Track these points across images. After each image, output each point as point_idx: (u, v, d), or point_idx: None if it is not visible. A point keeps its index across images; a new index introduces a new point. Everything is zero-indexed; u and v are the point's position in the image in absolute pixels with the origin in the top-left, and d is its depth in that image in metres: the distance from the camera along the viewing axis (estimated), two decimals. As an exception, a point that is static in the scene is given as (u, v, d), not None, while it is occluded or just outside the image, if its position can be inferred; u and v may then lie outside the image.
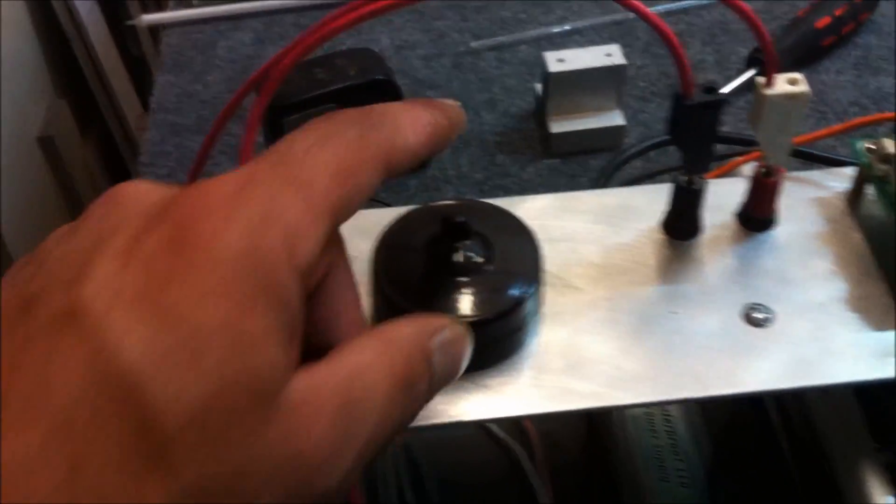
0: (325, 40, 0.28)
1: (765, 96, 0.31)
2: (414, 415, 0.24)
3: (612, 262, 0.34)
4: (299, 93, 0.53)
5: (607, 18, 0.68)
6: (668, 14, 0.69)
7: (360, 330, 0.25)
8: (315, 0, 0.71)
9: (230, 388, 0.19)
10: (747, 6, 0.30)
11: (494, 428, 0.40)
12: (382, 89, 0.54)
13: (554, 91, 0.58)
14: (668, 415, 0.39)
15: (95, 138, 0.98)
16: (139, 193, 0.22)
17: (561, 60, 0.57)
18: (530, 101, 0.62)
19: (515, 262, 0.31)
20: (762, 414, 0.38)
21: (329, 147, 0.23)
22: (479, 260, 0.31)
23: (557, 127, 0.58)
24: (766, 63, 0.31)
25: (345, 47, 0.65)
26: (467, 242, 0.31)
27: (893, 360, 0.31)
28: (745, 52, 0.64)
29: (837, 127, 0.37)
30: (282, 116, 0.53)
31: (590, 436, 0.41)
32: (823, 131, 0.38)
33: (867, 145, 0.34)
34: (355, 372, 0.22)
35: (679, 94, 0.31)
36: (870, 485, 0.33)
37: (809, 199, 0.36)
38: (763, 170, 0.34)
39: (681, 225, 0.35)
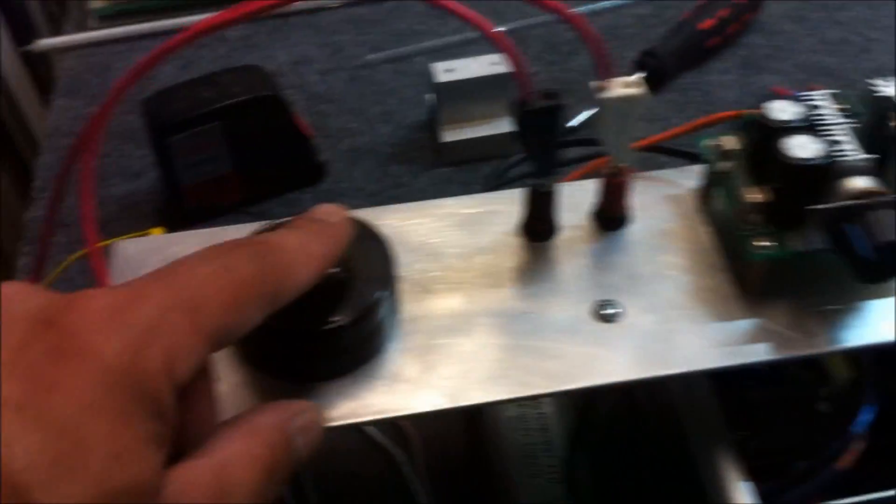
0: (157, 61, 0.29)
1: (601, 100, 0.32)
2: (279, 492, 0.26)
3: (470, 266, 0.35)
4: (184, 112, 0.53)
5: (502, 28, 0.69)
6: (560, 21, 0.70)
7: (216, 427, 0.26)
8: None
9: (113, 494, 0.20)
10: (578, 16, 0.31)
11: (374, 433, 0.41)
12: (268, 106, 0.54)
13: (444, 101, 0.59)
14: (542, 413, 0.40)
15: (9, 166, 0.97)
16: (21, 296, 0.22)
17: (449, 70, 0.58)
18: (425, 111, 0.63)
19: (368, 268, 0.32)
20: (635, 407, 0.39)
21: (224, 279, 0.24)
22: (333, 269, 0.31)
23: (448, 136, 0.59)
24: (599, 67, 0.32)
25: (238, 63, 0.65)
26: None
27: (736, 349, 0.32)
28: (633, 56, 0.66)
29: (686, 126, 0.38)
30: (167, 136, 0.53)
31: (468, 438, 0.42)
32: (671, 132, 0.39)
33: (711, 143, 0.35)
34: (224, 464, 0.24)
35: (520, 101, 0.32)
36: (725, 470, 0.34)
37: (663, 197, 0.37)
38: (611, 170, 0.35)
39: (536, 227, 0.35)
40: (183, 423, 0.24)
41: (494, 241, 0.36)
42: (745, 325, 0.33)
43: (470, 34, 0.69)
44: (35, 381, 0.20)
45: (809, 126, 0.32)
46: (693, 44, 0.65)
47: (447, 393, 0.31)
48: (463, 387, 0.31)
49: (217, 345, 0.24)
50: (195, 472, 0.24)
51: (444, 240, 0.36)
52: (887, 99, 0.33)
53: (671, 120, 0.62)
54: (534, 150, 0.33)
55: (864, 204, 0.30)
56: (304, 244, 0.27)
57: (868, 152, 0.32)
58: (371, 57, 0.68)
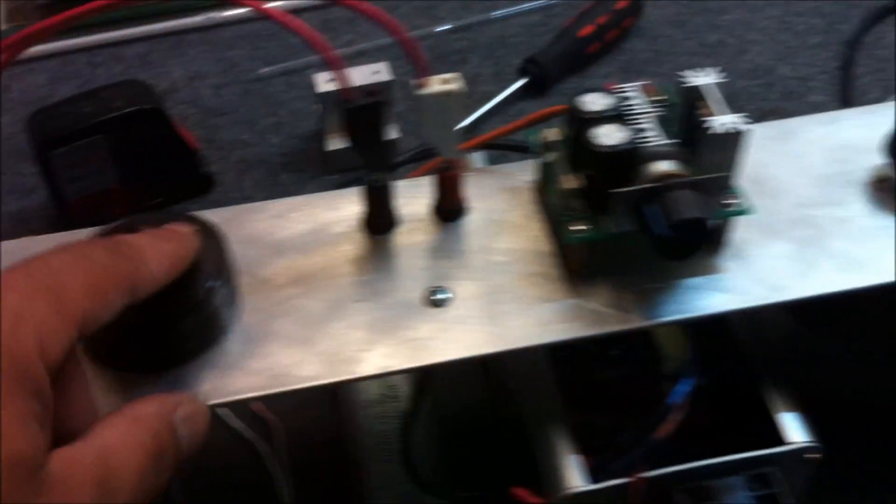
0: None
1: (418, 96, 0.34)
2: (166, 480, 0.27)
3: (311, 260, 0.36)
4: (66, 126, 0.54)
5: (389, 40, 0.71)
6: (451, 32, 0.72)
7: (96, 414, 0.28)
8: (108, 37, 0.72)
9: None
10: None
11: (240, 427, 0.42)
12: (149, 118, 0.55)
13: (327, 110, 0.60)
14: (398, 401, 0.42)
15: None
16: None
17: (331, 80, 0.59)
18: (315, 122, 0.65)
19: (202, 261, 0.33)
20: (471, 386, 0.41)
21: (82, 266, 0.26)
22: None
23: (333, 144, 0.61)
24: (416, 66, 0.34)
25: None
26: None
27: (557, 326, 0.34)
28: (519, 63, 0.68)
29: (519, 122, 0.40)
30: (50, 150, 0.54)
31: (331, 428, 0.44)
32: (506, 127, 0.40)
33: (538, 136, 0.37)
34: (109, 448, 0.25)
35: (343, 99, 0.33)
36: (557, 445, 0.36)
37: (500, 189, 0.39)
38: (443, 165, 0.36)
39: (375, 221, 0.37)
40: (61, 408, 0.25)
41: (337, 236, 0.37)
42: (566, 304, 0.35)
43: (362, 45, 0.71)
44: None
45: (617, 116, 0.34)
46: (574, 50, 0.67)
47: (276, 376, 0.32)
48: (292, 372, 0.33)
49: (82, 329, 0.25)
50: (79, 454, 0.25)
51: (289, 235, 0.37)
52: (695, 89, 0.35)
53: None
54: (362, 146, 0.35)
55: (662, 185, 0.32)
56: (153, 242, 0.30)
57: (681, 139, 0.35)
58: (264, 71, 0.69)
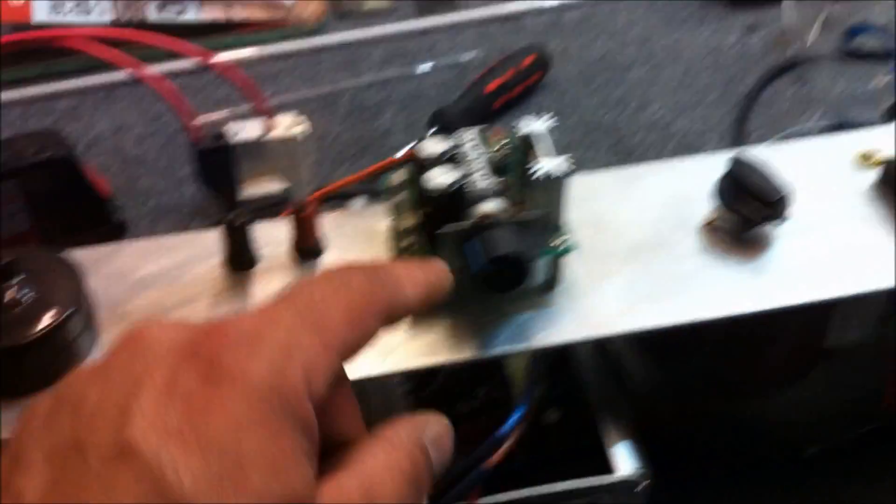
0: None
1: (265, 140, 0.36)
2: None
3: (170, 296, 0.39)
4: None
5: (312, 92, 0.75)
6: (368, 87, 0.75)
7: (362, 432, 0.28)
8: (40, 90, 0.75)
9: None
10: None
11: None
12: (60, 166, 0.58)
13: (240, 159, 0.63)
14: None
15: None
16: (164, 334, 0.24)
17: (237, 133, 0.62)
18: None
19: (56, 295, 0.35)
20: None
21: (343, 295, 0.26)
22: (26, 295, 0.35)
23: (249, 192, 0.63)
24: (261, 112, 0.37)
25: (66, 133, 0.69)
26: (13, 282, 0.35)
27: (392, 359, 0.36)
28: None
29: (369, 169, 0.43)
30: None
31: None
32: (359, 174, 0.43)
33: (388, 180, 0.40)
34: (373, 476, 0.25)
35: (192, 142, 0.36)
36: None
37: (359, 231, 0.41)
38: (296, 205, 0.39)
39: (235, 259, 0.40)
40: (326, 429, 0.25)
41: (199, 273, 0.40)
42: (405, 336, 0.37)
43: (288, 97, 0.74)
44: (191, 407, 0.22)
45: (451, 159, 0.37)
46: (481, 104, 0.70)
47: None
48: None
49: (344, 357, 0.26)
50: (345, 485, 0.25)
51: (153, 272, 0.40)
52: (527, 135, 0.38)
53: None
54: (213, 188, 0.37)
55: (483, 224, 0.35)
56: (409, 270, 0.30)
57: (520, 181, 0.37)
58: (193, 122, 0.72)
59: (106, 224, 0.62)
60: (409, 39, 0.81)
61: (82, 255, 0.40)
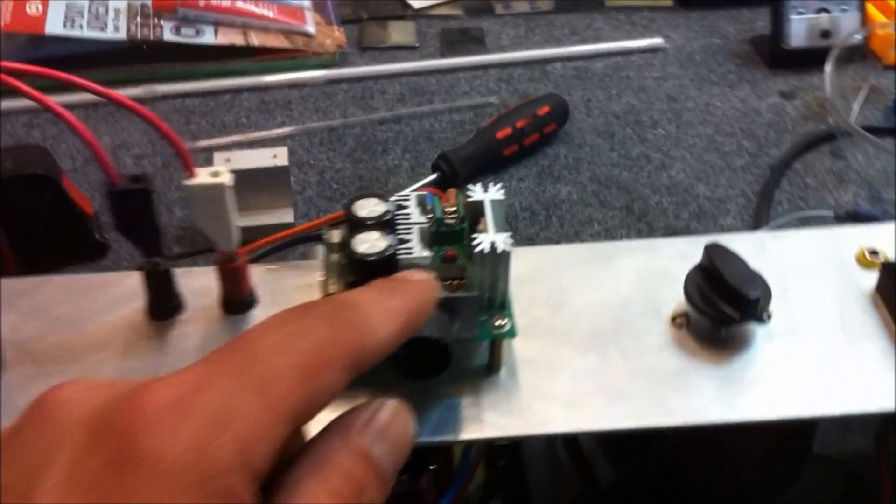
0: None
1: (185, 186, 0.34)
2: None
3: (84, 340, 0.36)
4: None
5: (322, 124, 0.72)
6: (379, 122, 0.73)
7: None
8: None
9: None
10: (150, 114, 0.33)
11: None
12: (41, 184, 0.56)
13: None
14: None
15: None
16: (76, 399, 0.21)
17: (227, 160, 0.60)
18: (223, 199, 0.65)
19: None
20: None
21: (296, 346, 0.22)
22: None
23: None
24: (181, 159, 0.34)
25: (65, 146, 0.68)
26: None
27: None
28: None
29: (314, 222, 0.39)
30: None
31: None
32: (300, 227, 0.40)
33: (326, 236, 0.36)
34: None
35: (107, 183, 0.33)
36: None
37: (295, 286, 0.38)
38: (223, 256, 0.36)
39: (155, 306, 0.37)
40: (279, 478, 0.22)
41: (118, 316, 0.37)
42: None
43: (293, 128, 0.71)
44: (98, 498, 0.19)
45: (386, 223, 0.34)
46: (489, 150, 0.67)
47: None
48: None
49: (296, 421, 0.21)
50: None
51: (72, 312, 0.37)
52: (478, 204, 0.35)
53: (455, 222, 0.63)
54: (128, 231, 0.34)
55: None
56: (380, 299, 0.25)
57: (463, 253, 0.34)
58: (189, 146, 0.70)
59: (87, 244, 0.60)
60: (429, 77, 0.78)
61: (3, 285, 0.38)
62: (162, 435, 0.20)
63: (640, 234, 0.62)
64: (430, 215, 0.36)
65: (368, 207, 0.34)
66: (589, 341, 0.36)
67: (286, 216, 0.61)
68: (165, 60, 0.76)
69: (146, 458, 0.19)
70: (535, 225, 0.63)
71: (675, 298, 0.38)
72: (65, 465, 0.20)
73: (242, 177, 0.59)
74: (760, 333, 0.37)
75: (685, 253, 0.39)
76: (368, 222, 0.34)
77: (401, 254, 0.33)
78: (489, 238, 0.33)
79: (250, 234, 0.61)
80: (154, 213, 0.34)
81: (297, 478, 0.22)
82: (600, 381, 0.35)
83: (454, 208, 0.36)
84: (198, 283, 0.38)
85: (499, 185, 0.35)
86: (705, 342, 0.36)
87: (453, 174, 0.65)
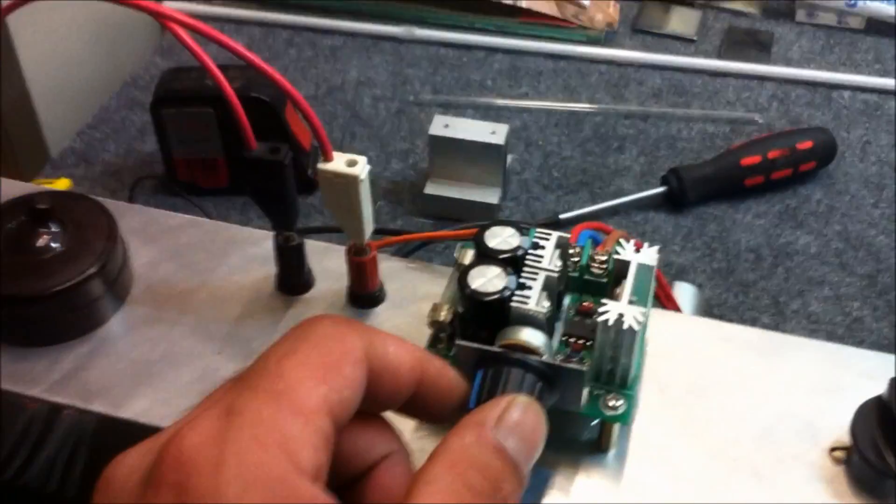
0: None
1: (318, 169, 0.32)
2: None
3: (208, 295, 0.36)
4: (183, 91, 0.57)
5: (564, 106, 0.68)
6: (625, 116, 0.68)
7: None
8: (309, 21, 0.75)
9: None
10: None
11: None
12: (261, 108, 0.57)
13: (434, 153, 0.59)
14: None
15: None
16: (126, 470, 0.22)
17: (446, 126, 0.58)
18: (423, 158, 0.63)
19: (84, 252, 0.34)
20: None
21: (302, 350, 0.23)
22: (56, 244, 0.34)
23: (432, 189, 0.59)
24: (321, 144, 0.32)
25: (315, 73, 0.69)
26: (48, 228, 0.34)
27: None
28: (670, 169, 0.62)
29: (441, 234, 0.36)
30: (162, 108, 0.57)
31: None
32: (439, 233, 0.37)
33: (458, 253, 0.33)
34: None
35: (245, 147, 0.32)
36: None
37: (427, 291, 0.36)
38: (355, 248, 0.34)
39: (284, 279, 0.36)
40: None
41: (248, 279, 0.36)
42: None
43: (533, 103, 0.68)
44: None
45: (511, 261, 0.30)
46: (729, 176, 0.60)
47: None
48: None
49: (332, 413, 0.22)
50: None
51: (206, 262, 0.37)
52: (624, 263, 0.30)
53: (670, 243, 0.58)
54: (260, 199, 0.33)
55: (507, 356, 0.28)
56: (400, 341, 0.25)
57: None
58: (424, 97, 0.69)
59: (297, 177, 0.61)
60: (695, 77, 0.71)
61: (157, 217, 0.38)
62: (212, 475, 0.20)
63: (875, 312, 0.54)
64: (575, 259, 0.32)
65: (500, 237, 0.31)
66: (720, 448, 0.31)
67: (493, 196, 0.59)
68: (430, 3, 0.75)
69: (204, 493, 0.20)
70: (756, 271, 0.56)
71: (842, 426, 0.31)
72: None
73: (456, 146, 0.58)
74: (938, 499, 0.30)
75: (879, 374, 0.32)
76: (494, 255, 0.30)
77: (515, 300, 0.29)
78: (618, 308, 0.28)
79: (453, 206, 0.60)
80: (288, 187, 0.33)
81: (434, 474, 0.22)
82: (718, 500, 0.30)
83: (606, 257, 0.32)
84: (334, 264, 0.36)
85: (654, 248, 0.31)
86: (866, 490, 0.30)
87: (682, 192, 0.59)
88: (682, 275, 0.55)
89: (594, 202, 0.60)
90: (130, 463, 0.22)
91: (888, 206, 0.61)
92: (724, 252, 0.58)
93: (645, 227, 0.59)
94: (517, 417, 0.24)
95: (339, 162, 0.32)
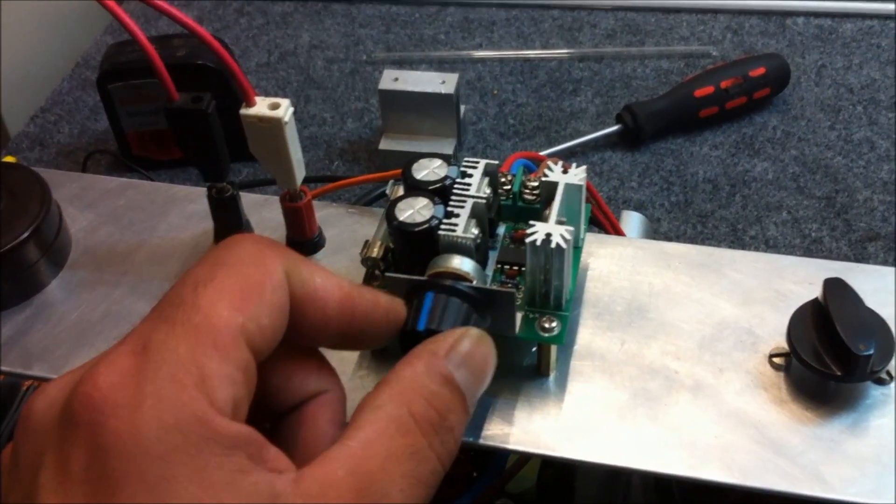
0: None
1: (241, 115, 0.31)
2: (456, 441, 0.23)
3: (147, 253, 0.36)
4: (129, 63, 0.56)
5: (518, 53, 0.68)
6: (579, 59, 0.67)
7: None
8: (261, -10, 0.74)
9: None
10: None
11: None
12: (207, 75, 0.56)
13: (386, 108, 0.59)
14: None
15: None
16: (46, 402, 0.22)
17: (395, 80, 0.58)
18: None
19: (19, 216, 0.33)
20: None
21: (219, 276, 0.22)
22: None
23: (386, 144, 0.59)
24: (238, 84, 0.31)
25: (266, 39, 0.69)
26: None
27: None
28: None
29: (371, 176, 0.36)
30: (109, 82, 0.57)
31: None
32: (361, 178, 0.36)
33: (389, 191, 0.33)
34: (365, 454, 0.22)
35: (167, 99, 0.32)
36: None
37: (365, 234, 0.35)
38: (287, 194, 0.34)
39: (220, 232, 0.35)
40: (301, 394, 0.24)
41: (186, 235, 0.36)
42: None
43: (488, 53, 0.68)
44: (94, 489, 0.20)
45: (440, 191, 0.30)
46: (684, 109, 0.60)
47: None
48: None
49: (252, 341, 0.22)
50: (330, 473, 0.21)
51: (144, 221, 0.37)
52: (552, 185, 0.30)
53: (628, 180, 0.58)
54: (190, 152, 0.33)
55: (439, 283, 0.28)
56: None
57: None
58: (377, 55, 0.68)
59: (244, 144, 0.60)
60: (649, 15, 0.71)
61: (94, 182, 0.38)
62: (127, 413, 0.20)
63: (833, 232, 0.54)
64: (507, 187, 0.32)
65: (428, 169, 0.31)
66: (662, 363, 0.31)
67: (448, 147, 0.58)
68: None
69: (122, 440, 0.20)
70: (714, 201, 0.56)
71: (782, 333, 0.31)
72: (52, 466, 0.20)
73: (407, 99, 0.58)
74: (878, 396, 0.30)
75: (817, 280, 0.32)
76: (422, 186, 0.30)
77: (443, 229, 0.29)
78: (546, 228, 0.28)
79: (405, 159, 0.60)
80: (214, 137, 0.32)
81: (381, 400, 0.23)
82: (660, 414, 0.30)
83: (537, 182, 0.32)
84: (273, 214, 0.36)
85: (582, 168, 0.31)
86: (804, 394, 0.30)
87: (637, 129, 0.59)
88: (639, 210, 0.55)
89: (551, 146, 0.60)
90: (51, 395, 0.22)
91: (844, 127, 0.61)
92: (682, 185, 0.58)
93: (602, 166, 0.59)
94: (468, 349, 0.24)
95: (261, 106, 0.31)
